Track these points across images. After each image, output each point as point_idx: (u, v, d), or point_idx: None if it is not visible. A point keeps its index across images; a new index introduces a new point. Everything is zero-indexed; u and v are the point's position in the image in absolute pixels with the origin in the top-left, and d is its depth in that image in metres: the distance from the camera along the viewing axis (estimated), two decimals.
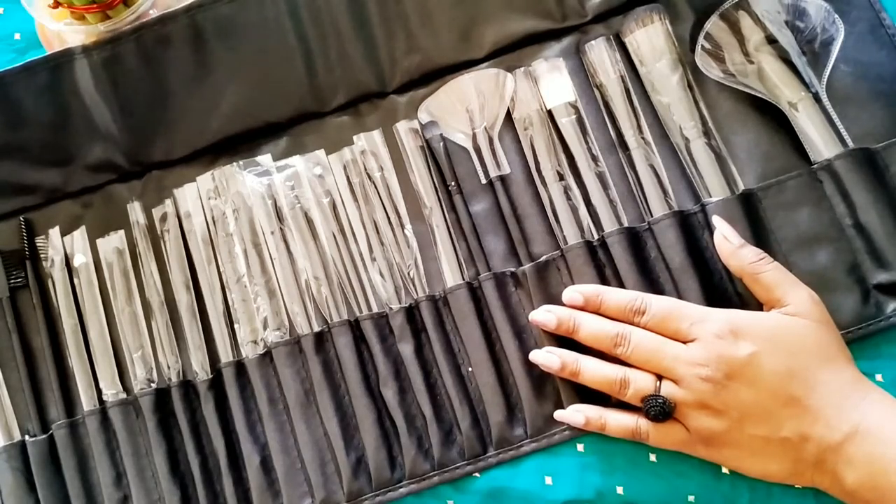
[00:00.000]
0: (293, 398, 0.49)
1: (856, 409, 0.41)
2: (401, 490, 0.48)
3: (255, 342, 0.50)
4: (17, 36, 0.58)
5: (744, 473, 0.44)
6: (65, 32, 0.54)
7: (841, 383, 0.42)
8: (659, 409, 0.43)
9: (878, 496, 0.40)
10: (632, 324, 0.45)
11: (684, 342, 0.43)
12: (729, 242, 0.46)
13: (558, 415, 0.47)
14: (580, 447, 0.48)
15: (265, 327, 0.50)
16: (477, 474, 0.48)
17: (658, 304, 0.45)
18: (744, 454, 0.43)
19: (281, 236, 0.52)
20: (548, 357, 0.46)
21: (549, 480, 0.47)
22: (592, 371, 0.45)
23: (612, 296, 0.46)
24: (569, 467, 0.47)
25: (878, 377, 0.47)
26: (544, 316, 0.46)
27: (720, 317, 0.43)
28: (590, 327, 0.46)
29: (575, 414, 0.46)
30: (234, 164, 0.53)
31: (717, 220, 0.47)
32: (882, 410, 0.41)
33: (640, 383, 0.44)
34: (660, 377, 0.44)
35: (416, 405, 0.49)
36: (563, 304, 0.47)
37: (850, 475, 0.40)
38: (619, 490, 0.47)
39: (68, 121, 0.53)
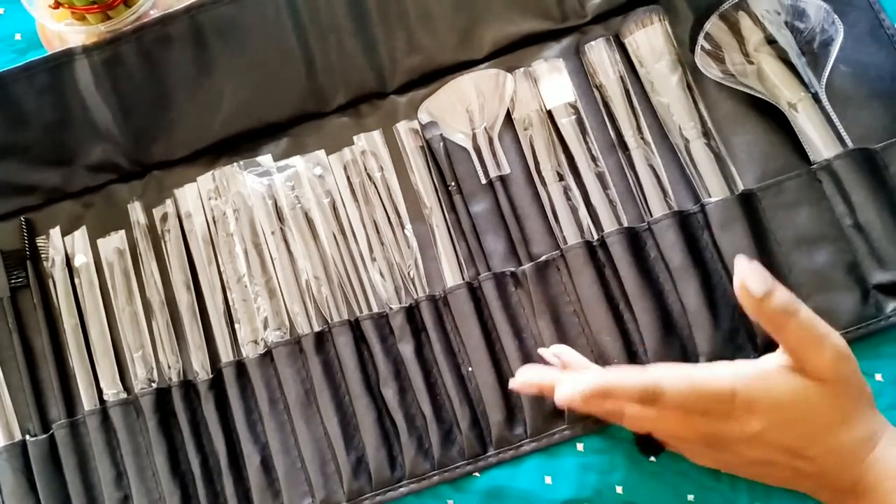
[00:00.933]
0: (293, 398, 0.49)
1: (858, 466, 0.39)
2: (401, 490, 0.48)
3: (256, 342, 0.50)
4: (17, 36, 0.58)
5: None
6: (65, 33, 0.54)
7: (852, 443, 0.40)
8: (645, 448, 0.44)
9: None
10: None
11: None
12: (749, 293, 0.38)
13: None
14: (580, 447, 0.48)
15: (265, 327, 0.50)
16: (477, 474, 0.48)
17: (672, 393, 0.39)
18: (750, 473, 0.43)
19: (281, 236, 0.52)
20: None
21: (548, 480, 0.47)
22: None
23: (622, 383, 0.40)
24: (568, 467, 0.47)
25: (878, 377, 0.47)
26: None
27: (735, 390, 0.39)
28: (619, 392, 0.40)
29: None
30: (235, 164, 0.53)
31: (739, 260, 0.39)
32: (883, 469, 0.39)
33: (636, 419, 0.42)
34: None
35: (416, 405, 0.49)
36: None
37: None
38: (619, 490, 0.47)
39: (69, 121, 0.53)
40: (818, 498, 0.42)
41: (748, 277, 0.38)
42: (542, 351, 0.47)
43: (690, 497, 0.47)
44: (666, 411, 0.40)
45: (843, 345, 0.39)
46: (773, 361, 0.40)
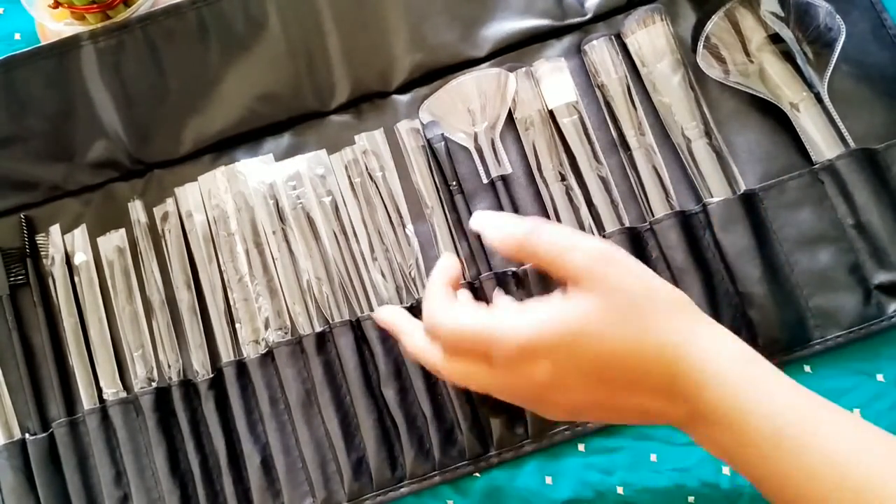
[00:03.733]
0: (294, 398, 0.49)
1: (694, 391, 0.34)
2: (402, 490, 0.48)
3: (257, 342, 0.50)
4: (17, 36, 0.58)
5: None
6: (65, 32, 0.54)
7: (659, 357, 0.34)
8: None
9: (731, 464, 0.34)
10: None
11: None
12: (491, 233, 0.38)
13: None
14: (581, 447, 0.48)
15: (266, 327, 0.50)
16: (477, 474, 0.48)
17: (449, 332, 0.37)
18: (591, 416, 0.39)
19: (282, 236, 0.51)
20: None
21: (549, 480, 0.47)
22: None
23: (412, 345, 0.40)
24: (569, 467, 0.48)
25: (880, 377, 0.47)
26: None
27: (507, 336, 0.35)
28: (411, 351, 0.40)
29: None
30: (236, 163, 0.53)
31: (475, 216, 0.40)
32: (721, 381, 0.33)
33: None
34: None
35: (417, 405, 0.49)
36: None
37: (701, 446, 0.35)
38: (620, 490, 0.47)
39: (72, 111, 0.53)
40: (672, 424, 0.36)
41: (483, 220, 0.39)
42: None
43: (691, 498, 0.47)
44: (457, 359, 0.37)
45: (595, 246, 0.35)
46: (545, 306, 0.36)
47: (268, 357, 0.50)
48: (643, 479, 0.47)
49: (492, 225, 0.38)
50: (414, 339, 0.40)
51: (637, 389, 0.34)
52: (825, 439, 0.32)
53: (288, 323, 0.50)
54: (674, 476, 0.47)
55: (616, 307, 0.34)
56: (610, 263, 0.35)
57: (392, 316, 0.43)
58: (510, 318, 0.35)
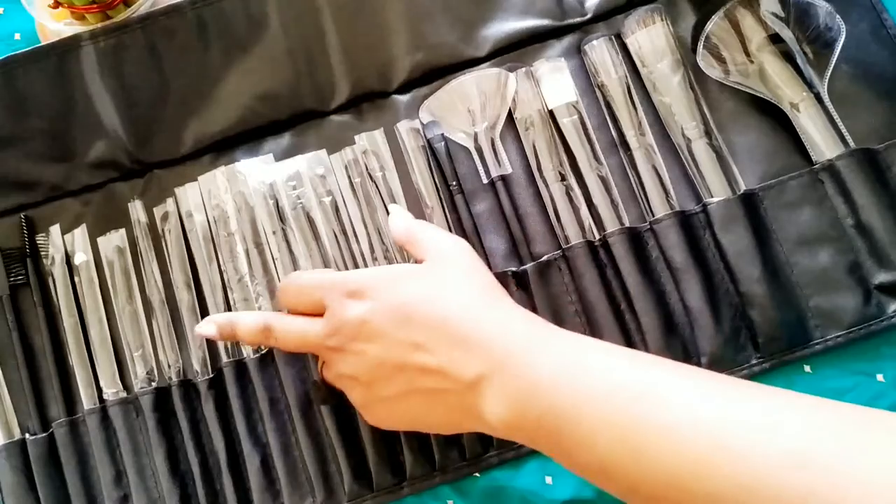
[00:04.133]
0: (294, 399, 0.49)
1: (487, 344, 0.37)
2: (402, 491, 0.48)
3: None
4: (17, 36, 0.58)
5: (422, 430, 0.44)
6: (65, 32, 0.54)
7: (470, 319, 0.38)
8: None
9: (524, 436, 0.37)
10: (267, 345, 0.45)
11: (320, 314, 0.42)
12: (402, 219, 0.46)
13: (196, 329, 0.45)
14: None
15: None
16: (477, 474, 0.48)
17: (283, 282, 0.44)
18: (399, 415, 0.41)
19: (283, 236, 0.51)
20: (204, 327, 0.45)
21: (549, 480, 0.47)
22: (244, 325, 0.44)
23: (242, 321, 0.44)
24: None
25: (880, 377, 0.47)
26: (205, 327, 0.45)
27: (345, 278, 0.41)
28: (242, 327, 0.44)
29: (206, 326, 0.45)
30: (236, 163, 0.53)
31: (392, 207, 0.48)
32: (510, 337, 0.37)
33: (282, 338, 0.43)
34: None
35: None
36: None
37: (494, 419, 0.37)
38: None
39: (72, 111, 0.53)
40: (479, 430, 0.39)
41: (397, 213, 0.47)
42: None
43: None
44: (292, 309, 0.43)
45: (444, 238, 0.44)
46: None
47: (267, 357, 0.50)
48: None
49: (395, 216, 0.47)
50: (248, 319, 0.44)
51: (439, 336, 0.38)
52: (604, 368, 0.35)
53: None
54: None
55: (434, 269, 0.41)
56: (458, 248, 0.43)
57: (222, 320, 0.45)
58: (346, 272, 0.43)
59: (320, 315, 0.42)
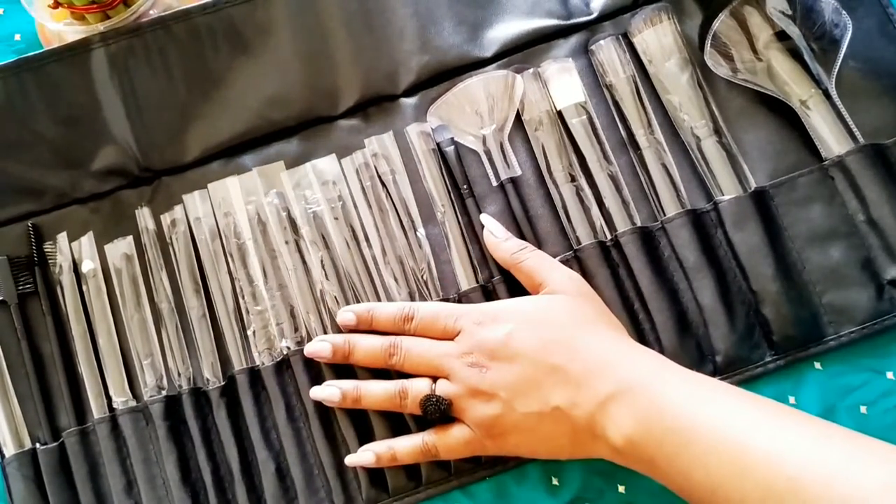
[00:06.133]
0: (311, 405, 0.48)
1: (618, 368, 0.41)
2: (418, 495, 0.47)
3: (271, 350, 0.50)
4: (17, 37, 0.58)
5: (536, 457, 0.45)
6: (65, 32, 0.54)
7: (602, 346, 0.43)
8: (434, 407, 0.44)
9: (644, 454, 0.40)
10: (403, 333, 0.46)
11: (453, 339, 0.45)
12: (494, 237, 0.48)
13: (349, 460, 0.47)
14: None
15: (281, 335, 0.50)
16: (488, 477, 0.48)
17: (425, 308, 0.46)
18: (525, 436, 0.43)
19: (294, 242, 0.51)
20: (327, 391, 0.47)
21: (555, 481, 0.47)
22: (373, 391, 0.46)
23: (381, 309, 0.47)
24: (573, 467, 0.47)
25: (889, 375, 0.47)
26: (319, 346, 0.47)
27: (480, 307, 0.46)
28: (363, 346, 0.47)
29: (364, 454, 0.46)
30: (247, 171, 0.53)
31: (484, 218, 0.49)
32: (644, 367, 0.42)
33: (416, 388, 0.45)
34: (435, 379, 0.45)
35: None
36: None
37: (617, 435, 0.40)
38: (621, 489, 0.47)
39: (80, 117, 0.53)
40: (599, 455, 0.43)
41: (492, 226, 0.49)
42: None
43: None
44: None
45: (572, 272, 0.47)
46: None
47: (283, 365, 0.49)
48: (644, 479, 0.46)
49: (492, 230, 0.49)
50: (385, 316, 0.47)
51: (575, 359, 0.42)
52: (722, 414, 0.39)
53: (304, 331, 0.50)
54: None
55: (562, 300, 0.45)
56: (585, 284, 0.47)
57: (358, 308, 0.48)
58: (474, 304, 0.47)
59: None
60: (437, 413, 0.44)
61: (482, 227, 0.49)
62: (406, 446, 0.45)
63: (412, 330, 0.46)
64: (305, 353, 0.47)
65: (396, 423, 0.48)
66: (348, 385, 0.47)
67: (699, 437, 0.38)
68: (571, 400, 0.41)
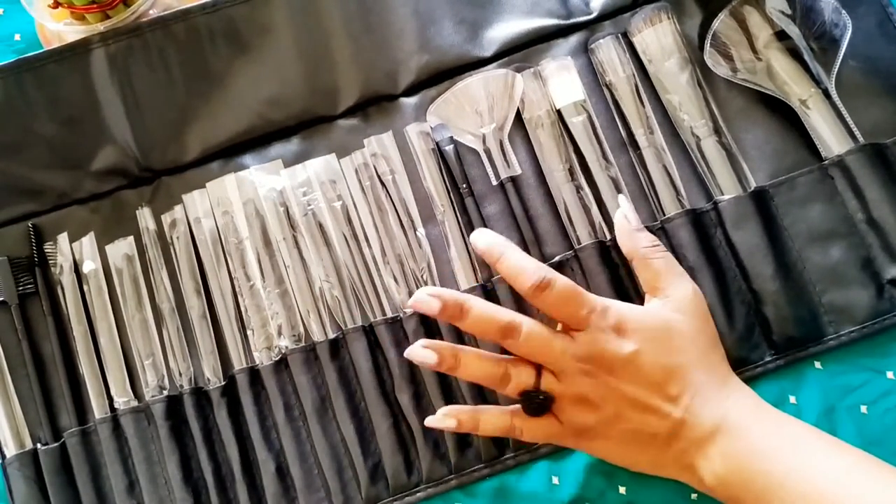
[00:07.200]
0: (309, 405, 0.48)
1: (720, 407, 0.42)
2: (418, 494, 0.47)
3: (270, 349, 0.50)
4: (17, 37, 0.58)
5: (608, 461, 0.45)
6: (65, 32, 0.54)
7: (712, 381, 0.43)
8: (537, 406, 0.42)
9: (732, 492, 0.41)
10: (532, 299, 0.42)
11: (573, 329, 0.42)
12: (628, 222, 0.46)
13: (429, 421, 0.44)
14: None
15: (279, 334, 0.50)
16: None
17: (563, 283, 0.42)
18: (612, 445, 0.43)
19: (293, 242, 0.51)
20: (422, 353, 0.42)
21: (556, 480, 0.47)
22: (472, 366, 0.43)
23: (515, 260, 0.43)
24: (574, 467, 0.48)
25: (889, 374, 0.47)
26: (425, 298, 0.42)
27: (611, 311, 0.43)
28: (481, 310, 0.42)
29: (447, 420, 0.43)
30: (245, 169, 0.53)
31: (621, 199, 0.48)
32: (742, 409, 0.42)
33: (521, 377, 0.42)
34: (539, 368, 0.43)
35: (432, 409, 0.48)
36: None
37: (708, 472, 0.42)
38: (622, 490, 0.47)
39: (80, 117, 0.53)
40: (680, 479, 0.44)
41: (628, 211, 0.47)
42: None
43: (694, 496, 0.46)
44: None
45: (696, 287, 0.46)
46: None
47: (281, 364, 0.49)
48: (645, 479, 0.47)
49: (632, 215, 0.47)
50: (501, 313, 0.43)
51: (692, 397, 0.42)
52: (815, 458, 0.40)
53: (301, 329, 0.50)
54: None
55: (687, 323, 0.44)
56: (706, 305, 0.46)
57: (493, 240, 0.44)
58: (611, 301, 0.44)
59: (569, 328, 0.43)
60: (539, 411, 0.43)
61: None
62: (493, 422, 0.43)
63: (541, 299, 0.42)
64: (410, 303, 0.42)
65: (399, 427, 0.48)
66: (447, 350, 0.42)
67: (792, 483, 0.39)
68: (672, 431, 0.42)
